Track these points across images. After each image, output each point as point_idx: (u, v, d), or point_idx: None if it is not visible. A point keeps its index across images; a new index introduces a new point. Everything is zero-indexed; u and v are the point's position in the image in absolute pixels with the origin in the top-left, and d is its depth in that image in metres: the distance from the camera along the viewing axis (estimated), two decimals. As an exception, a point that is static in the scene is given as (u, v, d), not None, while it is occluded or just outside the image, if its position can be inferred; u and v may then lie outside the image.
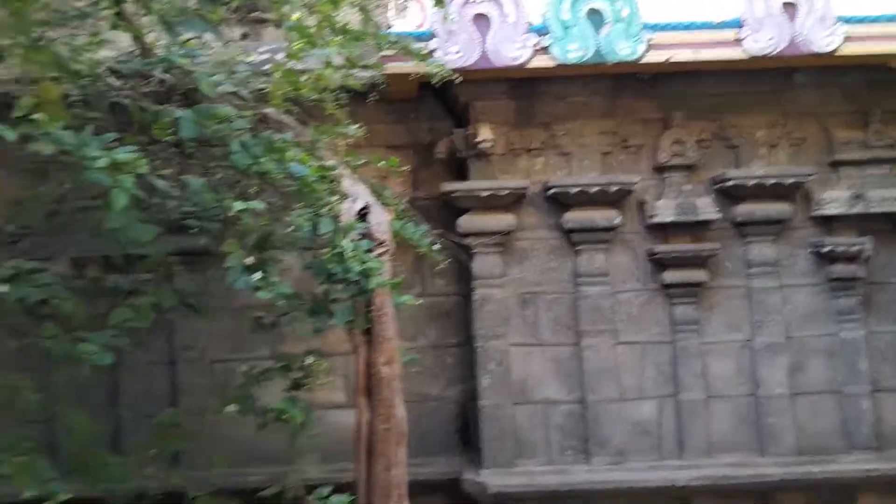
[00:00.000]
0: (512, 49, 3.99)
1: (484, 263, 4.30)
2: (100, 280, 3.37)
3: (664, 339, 4.39)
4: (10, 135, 2.17)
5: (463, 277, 4.45)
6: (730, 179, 4.30)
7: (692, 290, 4.38)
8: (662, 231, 4.39)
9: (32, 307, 2.67)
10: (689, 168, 4.43)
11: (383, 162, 3.58)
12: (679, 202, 4.34)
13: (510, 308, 4.35)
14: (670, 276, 4.36)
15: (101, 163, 2.17)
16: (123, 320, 2.71)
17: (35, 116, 2.35)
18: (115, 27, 2.86)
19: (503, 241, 4.32)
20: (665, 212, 4.33)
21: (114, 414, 4.14)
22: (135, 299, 2.89)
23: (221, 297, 4.00)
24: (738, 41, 4.01)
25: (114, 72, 3.06)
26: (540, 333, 4.37)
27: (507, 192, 4.22)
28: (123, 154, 2.25)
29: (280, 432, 3.12)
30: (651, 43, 3.98)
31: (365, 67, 3.48)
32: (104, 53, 3.07)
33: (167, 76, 2.95)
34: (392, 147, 4.45)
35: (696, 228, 4.37)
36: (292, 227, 2.72)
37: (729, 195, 4.38)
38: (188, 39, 3.04)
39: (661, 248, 4.34)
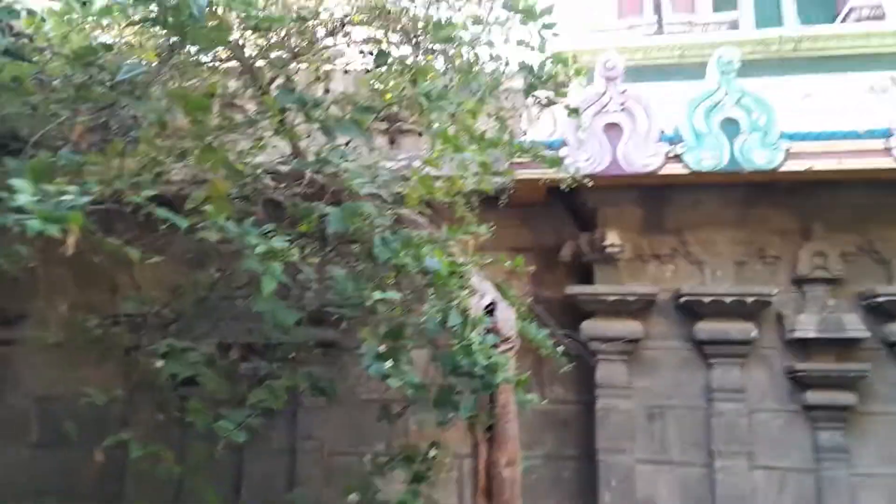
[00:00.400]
0: (643, 157, 4.02)
1: (608, 371, 4.16)
2: (240, 363, 3.58)
3: (807, 466, 4.01)
4: (184, 223, 2.42)
5: (584, 385, 4.29)
6: (881, 296, 4.01)
7: (839, 415, 4.02)
8: (804, 347, 4.10)
9: (180, 384, 2.86)
10: (832, 282, 4.18)
11: (509, 262, 3.63)
12: (822, 317, 4.07)
13: (636, 421, 4.14)
14: (813, 396, 4.03)
15: (259, 249, 2.37)
16: (259, 401, 2.84)
17: (204, 208, 2.62)
18: (277, 133, 3.18)
19: (630, 348, 4.18)
20: (807, 327, 4.06)
21: (236, 497, 4.23)
22: (271, 382, 3.03)
23: (343, 389, 4.11)
24: (887, 150, 3.82)
25: (269, 173, 3.38)
26: (668, 450, 4.11)
27: (634, 297, 4.13)
28: (277, 243, 2.45)
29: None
30: (790, 152, 3.88)
31: (497, 174, 3.63)
32: (260, 158, 3.43)
33: (318, 177, 3.20)
34: (516, 249, 4.47)
35: (842, 346, 4.05)
36: (423, 320, 2.79)
37: (880, 312, 4.07)
38: (339, 145, 3.32)
39: (803, 365, 4.05)
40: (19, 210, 2.00)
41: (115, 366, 3.79)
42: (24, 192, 1.96)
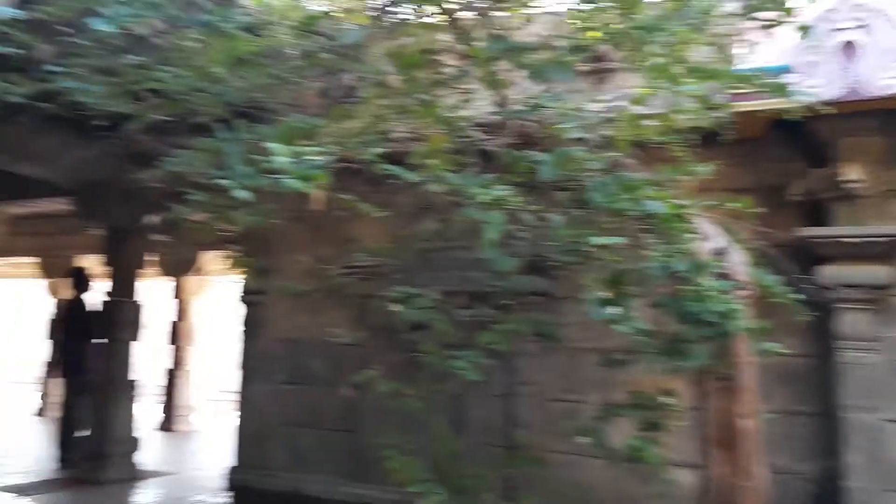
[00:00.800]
0: (886, 78, 3.51)
1: (851, 322, 3.76)
2: (464, 309, 3.74)
3: None
4: (414, 178, 2.53)
5: (819, 336, 3.91)
6: None
7: None
8: None
9: (414, 326, 3.05)
10: None
11: (732, 204, 3.37)
12: None
13: (885, 377, 3.71)
14: None
15: (484, 199, 2.41)
16: (489, 342, 2.95)
17: (428, 162, 2.72)
18: (485, 83, 3.18)
19: (875, 296, 3.74)
20: None
21: (458, 437, 4.47)
22: (499, 326, 3.13)
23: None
24: None
25: (480, 125, 3.42)
26: (926, 411, 3.65)
27: (883, 239, 3.67)
28: (500, 191, 2.47)
29: (612, 482, 3.02)
30: None
31: (715, 107, 3.35)
32: (467, 111, 3.47)
33: (530, 123, 3.18)
34: (735, 189, 4.15)
35: None
36: (646, 265, 2.68)
37: None
38: (544, 91, 3.26)
39: None
40: (272, 171, 2.20)
41: (349, 312, 4.15)
42: (282, 155, 2.15)
